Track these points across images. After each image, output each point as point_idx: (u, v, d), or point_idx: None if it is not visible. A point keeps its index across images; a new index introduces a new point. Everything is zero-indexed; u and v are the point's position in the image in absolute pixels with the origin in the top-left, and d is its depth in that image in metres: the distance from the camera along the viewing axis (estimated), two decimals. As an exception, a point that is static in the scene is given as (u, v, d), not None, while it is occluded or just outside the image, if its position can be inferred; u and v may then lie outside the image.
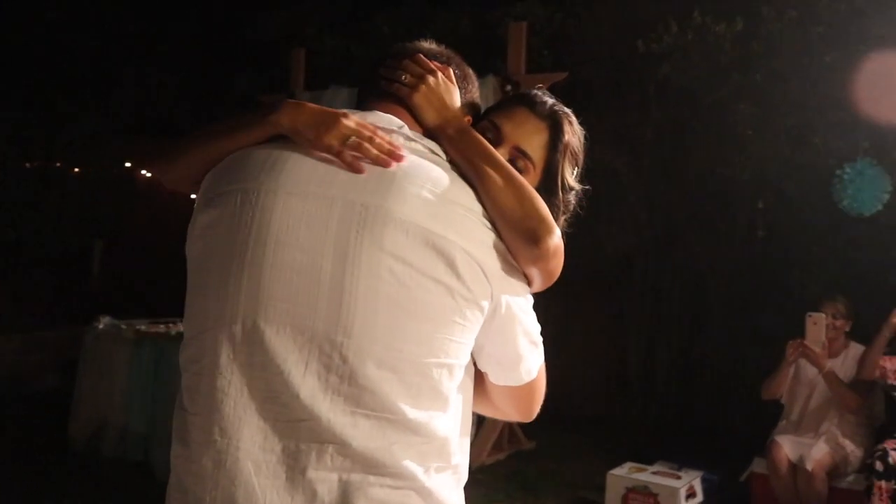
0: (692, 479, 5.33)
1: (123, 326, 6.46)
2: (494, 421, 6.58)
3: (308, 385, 1.36)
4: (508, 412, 1.70)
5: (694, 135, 7.08)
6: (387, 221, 1.37)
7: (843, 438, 5.13)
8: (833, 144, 5.92)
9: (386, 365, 1.37)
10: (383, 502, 1.37)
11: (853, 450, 5.12)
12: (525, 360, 1.54)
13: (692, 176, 7.26)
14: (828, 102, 5.99)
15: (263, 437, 1.38)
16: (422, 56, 1.63)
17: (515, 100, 1.74)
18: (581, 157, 1.74)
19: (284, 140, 1.51)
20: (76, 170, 11.93)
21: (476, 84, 1.75)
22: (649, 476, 5.32)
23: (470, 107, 1.70)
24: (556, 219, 1.59)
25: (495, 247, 1.45)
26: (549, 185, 1.67)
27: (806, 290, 6.13)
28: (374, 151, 1.44)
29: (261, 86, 8.69)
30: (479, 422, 6.73)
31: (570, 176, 1.71)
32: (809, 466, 4.94)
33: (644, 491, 5.21)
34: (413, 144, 1.50)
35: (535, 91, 1.75)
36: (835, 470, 5.04)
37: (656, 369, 7.82)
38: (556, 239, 1.47)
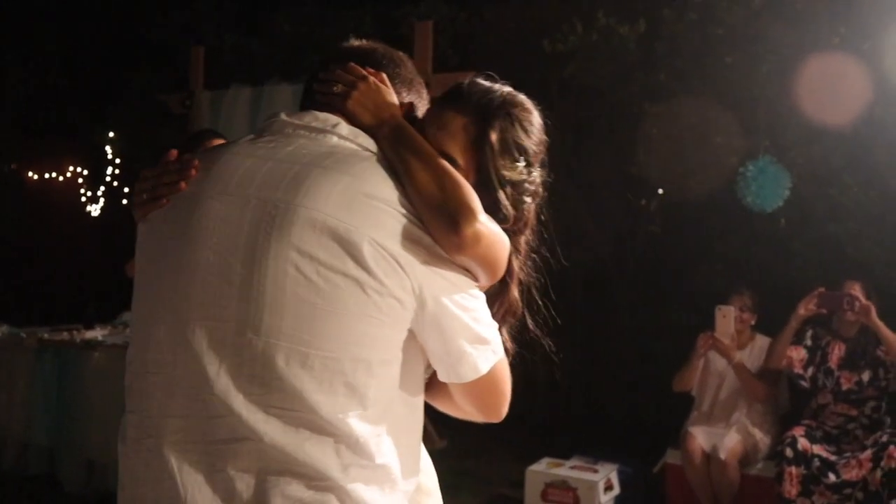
0: (609, 473, 5.43)
1: (23, 335, 6.18)
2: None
3: (222, 382, 1.40)
4: (470, 411, 1.68)
5: (598, 134, 7.20)
6: (295, 218, 1.41)
7: (753, 427, 5.31)
8: (735, 143, 6.09)
9: (295, 361, 1.39)
10: (300, 500, 1.38)
11: (762, 437, 5.30)
12: (469, 357, 1.51)
13: (596, 175, 7.39)
14: (729, 102, 6.16)
15: (185, 435, 1.42)
16: (353, 65, 1.65)
17: (443, 99, 1.71)
18: (530, 144, 1.68)
19: (230, 143, 1.61)
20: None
21: (410, 68, 1.74)
22: (567, 471, 5.39)
23: (411, 105, 1.71)
24: (500, 215, 1.62)
25: (416, 239, 1.45)
26: (484, 183, 1.61)
27: (710, 284, 6.30)
28: (166, 190, 1.54)
29: (159, 85, 8.46)
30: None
31: (509, 170, 1.64)
32: (723, 455, 5.10)
33: (563, 486, 5.28)
34: (345, 143, 1.53)
35: (469, 82, 1.71)
36: (746, 458, 5.21)
37: (563, 364, 7.91)
38: (478, 225, 1.46)
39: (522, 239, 1.76)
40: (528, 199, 1.72)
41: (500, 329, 1.66)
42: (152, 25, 9.33)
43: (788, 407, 5.56)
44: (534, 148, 1.69)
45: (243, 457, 1.39)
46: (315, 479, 1.39)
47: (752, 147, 5.94)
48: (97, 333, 6.12)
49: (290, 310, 1.39)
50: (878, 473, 4.65)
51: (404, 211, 1.45)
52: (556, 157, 6.41)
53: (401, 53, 1.75)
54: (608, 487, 5.36)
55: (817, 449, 4.88)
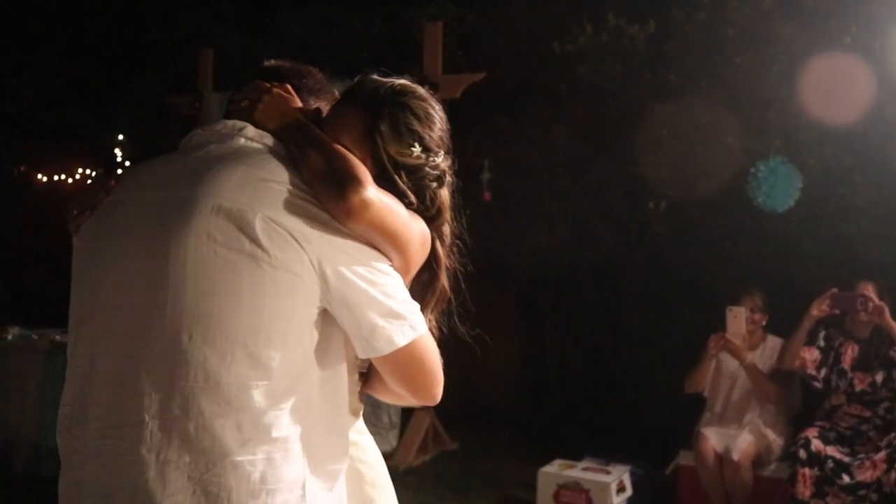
0: (621, 474, 5.42)
1: (35, 336, 6.19)
2: (420, 422, 6.57)
3: (133, 366, 1.51)
4: (403, 394, 1.72)
5: (608, 135, 7.19)
6: (197, 207, 1.53)
7: (766, 428, 5.30)
8: (746, 143, 6.08)
9: (198, 336, 1.48)
10: (193, 479, 1.47)
11: (775, 438, 5.30)
12: (382, 330, 1.56)
13: (606, 175, 7.38)
14: (739, 102, 6.14)
15: (105, 421, 1.52)
16: (258, 81, 1.79)
17: (340, 98, 1.84)
18: (424, 130, 1.74)
19: (170, 152, 1.75)
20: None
21: (318, 79, 1.88)
22: (579, 472, 5.38)
23: (318, 110, 1.83)
24: (406, 201, 1.70)
25: (312, 215, 1.54)
26: (382, 171, 1.69)
27: (720, 285, 6.28)
28: (89, 202, 1.72)
29: (168, 87, 8.46)
30: (403, 423, 6.72)
31: (404, 156, 1.71)
32: (736, 457, 5.09)
33: (575, 487, 5.27)
34: (251, 143, 1.67)
35: (360, 78, 1.80)
36: (759, 459, 5.20)
37: (573, 366, 7.92)
38: (364, 193, 1.53)
39: (445, 227, 1.84)
40: (434, 184, 1.79)
41: (429, 314, 1.80)
42: (160, 27, 9.34)
43: (801, 408, 5.54)
44: (430, 134, 1.75)
45: (148, 437, 1.47)
46: (212, 456, 1.47)
47: (762, 147, 5.92)
48: (108, 336, 6.12)
49: (191, 288, 1.50)
50: (893, 475, 4.64)
51: (299, 192, 1.55)
52: (566, 157, 6.41)
53: (309, 67, 1.90)
54: (620, 489, 5.35)
55: (831, 450, 4.87)
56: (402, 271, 1.66)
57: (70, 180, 11.66)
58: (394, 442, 6.60)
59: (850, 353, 5.15)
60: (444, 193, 1.83)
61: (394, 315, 1.57)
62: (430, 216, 1.79)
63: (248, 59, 8.44)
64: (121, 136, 10.46)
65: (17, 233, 11.05)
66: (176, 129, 8.19)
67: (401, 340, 1.58)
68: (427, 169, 1.75)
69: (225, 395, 1.47)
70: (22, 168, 11.71)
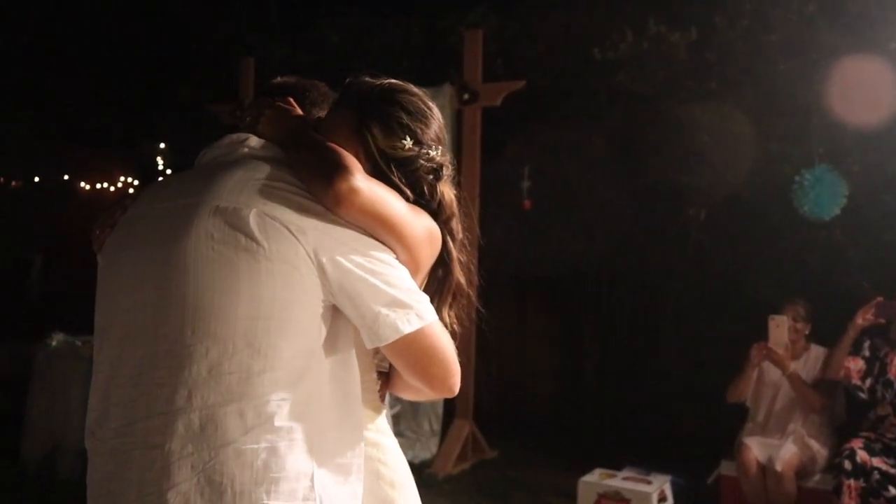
0: (662, 484, 5.37)
1: (79, 343, 6.28)
2: (459, 431, 6.56)
3: (143, 364, 1.57)
4: (419, 386, 1.72)
5: (648, 143, 7.15)
6: (198, 211, 1.59)
7: (809, 438, 5.23)
8: (788, 151, 6.03)
9: (200, 330, 1.53)
10: (197, 470, 1.50)
11: (819, 449, 5.22)
12: (385, 318, 1.59)
13: (646, 183, 7.33)
14: (783, 109, 6.10)
15: (122, 420, 1.57)
16: (261, 98, 1.87)
17: (333, 103, 1.89)
18: (415, 124, 1.78)
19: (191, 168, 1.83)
20: (13, 183, 11.62)
21: (322, 91, 1.97)
22: (620, 482, 5.34)
23: (319, 119, 1.89)
24: (404, 195, 1.73)
25: (306, 208, 1.59)
26: (374, 166, 1.73)
27: (762, 294, 6.22)
28: (109, 220, 1.81)
29: (207, 96, 8.54)
30: (444, 431, 6.71)
31: (395, 149, 1.75)
32: (779, 467, 5.03)
33: (616, 497, 5.24)
34: (253, 152, 1.73)
35: (350, 80, 1.85)
36: (802, 470, 5.13)
37: (613, 375, 7.88)
38: (352, 180, 1.58)
39: (454, 223, 1.88)
40: (430, 177, 1.82)
41: (447, 310, 1.84)
42: (202, 37, 9.44)
43: (845, 418, 5.47)
44: (421, 128, 1.78)
45: (153, 433, 1.52)
46: (216, 445, 1.50)
47: (805, 155, 5.86)
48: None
49: (192, 285, 1.55)
50: (940, 487, 4.56)
51: (294, 188, 1.61)
52: (605, 165, 6.37)
53: (314, 81, 1.99)
54: (662, 499, 5.31)
55: (876, 462, 4.79)
56: (410, 265, 1.69)
57: (112, 188, 11.78)
58: (434, 449, 6.59)
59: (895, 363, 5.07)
60: (447, 189, 1.86)
61: (397, 303, 1.59)
62: (434, 210, 1.82)
63: (288, 68, 8.51)
64: (162, 145, 10.56)
65: (62, 241, 11.20)
66: (217, 138, 8.30)
67: (405, 328, 1.59)
68: (421, 162, 1.78)
69: (227, 384, 1.51)
70: (65, 176, 11.86)
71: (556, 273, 7.69)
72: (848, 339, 5.11)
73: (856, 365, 5.13)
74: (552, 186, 7.45)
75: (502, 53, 7.56)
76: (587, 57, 6.76)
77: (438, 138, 1.83)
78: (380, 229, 1.63)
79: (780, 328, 5.25)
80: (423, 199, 1.80)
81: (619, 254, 7.69)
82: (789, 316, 5.33)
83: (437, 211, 1.83)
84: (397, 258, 1.66)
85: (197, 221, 1.59)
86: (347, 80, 1.85)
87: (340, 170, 1.58)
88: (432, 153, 1.80)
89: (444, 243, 1.83)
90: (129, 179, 11.69)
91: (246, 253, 1.54)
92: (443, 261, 1.84)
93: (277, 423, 1.53)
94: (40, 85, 10.86)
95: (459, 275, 1.88)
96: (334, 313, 1.63)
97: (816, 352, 5.39)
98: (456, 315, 1.90)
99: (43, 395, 6.27)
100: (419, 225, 1.72)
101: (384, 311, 1.58)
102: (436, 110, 1.85)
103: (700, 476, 5.64)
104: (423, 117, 1.79)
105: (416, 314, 1.61)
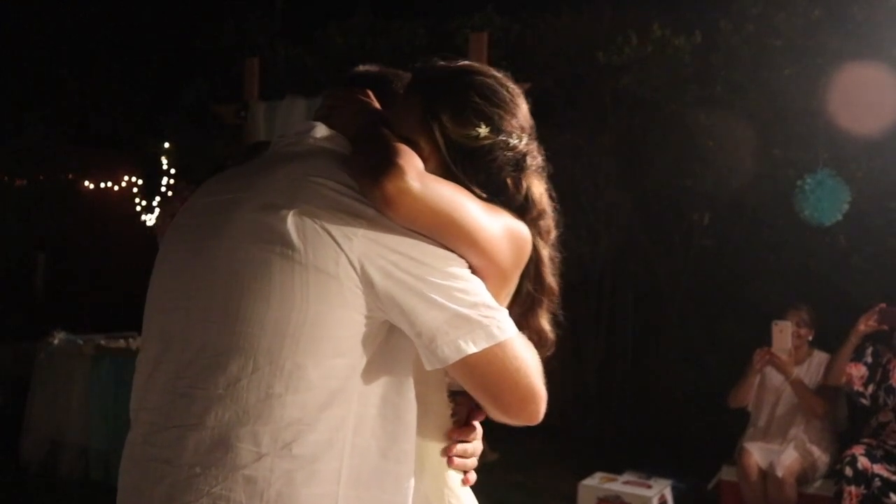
0: (663, 488, 5.37)
1: (81, 342, 6.28)
2: (459, 433, 6.54)
3: (169, 370, 1.45)
4: (495, 412, 1.51)
5: (652, 146, 7.15)
6: (238, 207, 1.45)
7: (811, 444, 5.23)
8: (793, 156, 6.03)
9: (225, 339, 1.38)
10: (211, 494, 1.36)
11: (820, 455, 5.22)
12: (445, 336, 1.38)
13: (650, 187, 7.33)
14: (787, 114, 6.10)
15: (149, 427, 1.46)
16: (334, 89, 1.69)
17: (402, 92, 1.65)
18: (492, 109, 1.53)
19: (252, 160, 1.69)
20: (18, 182, 11.64)
21: (405, 82, 1.69)
22: (620, 486, 5.34)
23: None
24: (471, 184, 1.51)
25: (356, 212, 1.39)
26: (444, 160, 1.51)
27: (764, 299, 6.21)
28: (171, 209, 1.74)
29: (213, 96, 8.55)
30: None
31: (469, 138, 1.51)
32: (780, 473, 5.02)
33: (616, 501, 5.23)
34: (319, 143, 1.56)
35: (420, 65, 1.64)
36: (803, 476, 5.13)
37: (615, 379, 7.87)
38: (403, 180, 1.36)
39: (545, 220, 1.64)
40: (510, 169, 1.57)
41: (542, 318, 1.64)
42: (207, 37, 9.45)
43: (847, 424, 5.46)
44: (500, 112, 1.54)
45: (166, 446, 1.40)
46: (225, 468, 1.35)
47: (809, 160, 5.86)
48: (152, 341, 6.21)
49: (221, 289, 1.41)
50: (942, 494, 4.56)
51: (347, 189, 1.41)
52: (609, 169, 6.39)
53: (398, 72, 1.75)
54: (662, 503, 5.30)
55: (878, 468, 4.78)
56: (490, 272, 1.47)
57: (116, 188, 11.80)
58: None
59: (898, 369, 5.07)
60: (536, 182, 1.61)
61: (460, 319, 1.38)
62: (520, 208, 1.58)
63: (293, 69, 8.54)
64: (167, 145, 10.57)
65: (65, 240, 11.23)
66: (221, 138, 8.31)
67: (468, 348, 1.39)
68: (500, 152, 1.54)
69: (244, 404, 1.36)
70: (70, 176, 11.88)
71: (560, 276, 7.67)
72: (850, 345, 5.11)
73: (858, 371, 5.12)
74: (556, 189, 7.44)
75: (507, 56, 7.55)
76: (592, 60, 6.76)
77: (522, 126, 1.58)
78: (444, 233, 1.41)
79: (784, 333, 5.25)
80: (506, 194, 1.56)
81: (622, 257, 7.68)
82: (793, 321, 5.33)
83: (523, 207, 1.59)
84: (470, 266, 1.44)
85: (234, 219, 1.44)
86: (417, 64, 1.64)
87: (390, 168, 1.37)
88: (513, 141, 1.55)
89: (534, 246, 1.59)
90: (134, 179, 11.69)
91: (280, 258, 1.37)
92: (534, 263, 1.60)
93: (297, 451, 1.37)
94: (45, 85, 10.89)
95: (551, 277, 1.66)
96: (391, 331, 1.44)
97: (819, 357, 5.39)
98: (550, 321, 1.68)
99: (44, 394, 6.28)
100: (496, 225, 1.49)
101: (444, 327, 1.38)
102: (520, 95, 1.60)
103: (701, 481, 5.64)
104: (500, 101, 1.55)
105: (483, 331, 1.39)
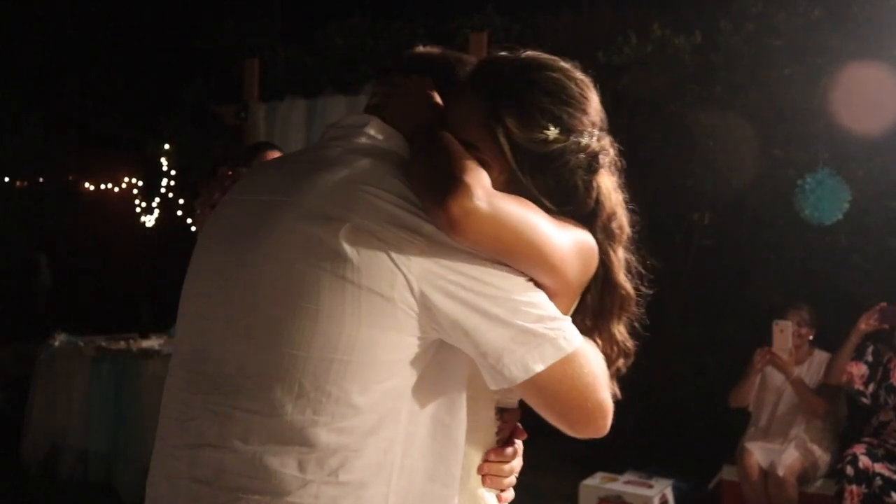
0: (664, 488, 5.37)
1: (81, 343, 6.29)
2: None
3: (198, 382, 1.38)
4: (563, 427, 1.45)
5: (653, 146, 7.14)
6: (282, 214, 1.33)
7: (812, 444, 5.23)
8: (793, 155, 6.02)
9: (264, 358, 1.30)
10: None
11: (821, 455, 5.22)
12: (512, 354, 1.30)
13: (650, 187, 7.32)
14: (787, 114, 6.09)
15: (172, 439, 1.40)
16: (393, 74, 1.54)
17: (463, 86, 1.50)
18: (560, 108, 1.41)
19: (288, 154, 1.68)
20: (18, 183, 11.65)
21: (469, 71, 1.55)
22: (622, 486, 5.35)
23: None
24: (539, 192, 1.40)
25: (415, 227, 1.28)
26: (510, 168, 1.39)
27: (766, 299, 6.21)
28: (210, 201, 1.80)
29: (213, 96, 8.55)
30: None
31: (536, 142, 1.39)
32: (781, 472, 5.02)
33: (617, 500, 5.24)
34: (372, 142, 1.43)
35: (481, 61, 1.52)
36: (804, 475, 5.13)
37: (615, 379, 7.85)
38: (469, 201, 1.24)
39: (615, 222, 1.52)
40: (581, 172, 1.45)
41: (615, 326, 1.55)
42: (206, 38, 9.44)
43: (846, 423, 5.47)
44: (569, 110, 1.42)
45: (201, 465, 1.33)
46: (268, 495, 1.28)
47: (810, 160, 5.85)
48: (153, 343, 6.23)
49: (264, 305, 1.31)
50: (943, 493, 4.56)
51: (404, 201, 1.30)
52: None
53: (462, 57, 1.59)
54: (663, 503, 5.30)
55: (879, 467, 4.78)
56: (556, 291, 1.37)
57: (116, 189, 11.81)
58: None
59: (898, 368, 5.07)
60: (605, 180, 1.50)
61: (528, 334, 1.30)
62: (590, 213, 1.48)
63: (293, 69, 8.54)
64: (167, 146, 10.57)
65: (65, 241, 11.24)
66: (221, 139, 8.30)
67: (536, 365, 1.31)
68: (573, 155, 1.42)
69: (287, 429, 1.28)
70: (70, 177, 11.89)
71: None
72: (851, 344, 5.11)
73: (858, 370, 5.13)
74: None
75: (507, 56, 7.57)
76: (592, 60, 6.74)
77: (593, 122, 1.46)
78: (512, 256, 1.31)
79: (785, 333, 5.25)
80: (576, 200, 1.45)
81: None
82: (793, 321, 5.33)
83: (594, 212, 1.48)
84: (529, 279, 1.34)
85: (279, 228, 1.32)
86: (478, 60, 1.51)
87: (455, 186, 1.25)
88: (584, 141, 1.43)
89: (605, 252, 1.49)
90: (134, 180, 11.70)
91: (331, 277, 1.26)
92: (603, 268, 1.50)
93: (343, 477, 1.29)
94: (46, 87, 10.90)
95: (625, 281, 1.56)
96: (441, 348, 1.35)
97: (820, 357, 5.40)
98: (626, 329, 1.59)
99: (44, 395, 6.28)
100: (566, 243, 1.38)
101: (510, 345, 1.29)
102: (589, 87, 1.48)
103: (702, 481, 5.64)
104: (570, 98, 1.42)
105: (550, 345, 1.31)
